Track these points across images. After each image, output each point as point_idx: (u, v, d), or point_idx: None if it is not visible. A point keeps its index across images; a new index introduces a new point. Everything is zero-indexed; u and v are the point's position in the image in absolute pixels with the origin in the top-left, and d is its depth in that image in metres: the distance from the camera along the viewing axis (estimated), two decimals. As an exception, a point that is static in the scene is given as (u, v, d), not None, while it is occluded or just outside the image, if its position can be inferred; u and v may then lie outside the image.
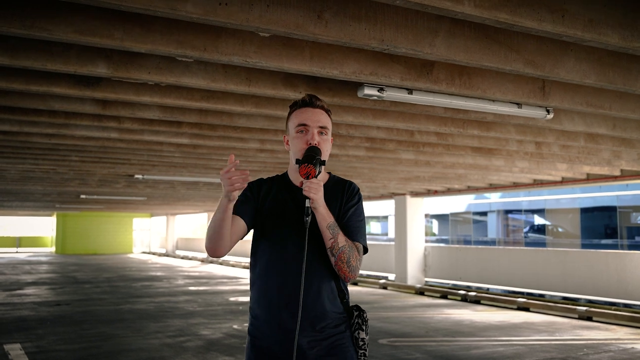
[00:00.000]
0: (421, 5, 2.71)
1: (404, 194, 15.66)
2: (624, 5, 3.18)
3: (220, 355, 7.04)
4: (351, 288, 16.19)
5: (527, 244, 28.69)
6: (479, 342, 8.03)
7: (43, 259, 30.73)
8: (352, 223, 2.16)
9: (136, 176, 11.17)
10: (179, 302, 12.28)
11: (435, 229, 36.97)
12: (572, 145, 7.31)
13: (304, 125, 2.16)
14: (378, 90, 4.41)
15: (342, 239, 2.06)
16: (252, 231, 2.28)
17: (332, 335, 2.11)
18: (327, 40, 3.25)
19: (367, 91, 4.38)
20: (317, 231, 2.06)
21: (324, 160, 2.11)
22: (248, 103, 5.09)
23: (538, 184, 12.27)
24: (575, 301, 12.30)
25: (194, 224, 48.01)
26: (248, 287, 12.68)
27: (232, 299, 13.03)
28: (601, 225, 26.84)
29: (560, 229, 29.28)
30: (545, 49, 3.83)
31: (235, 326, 9.17)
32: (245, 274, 20.51)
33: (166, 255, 35.16)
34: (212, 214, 27.49)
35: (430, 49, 3.46)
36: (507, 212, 31.21)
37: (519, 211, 30.80)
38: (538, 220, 31.06)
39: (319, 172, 2.06)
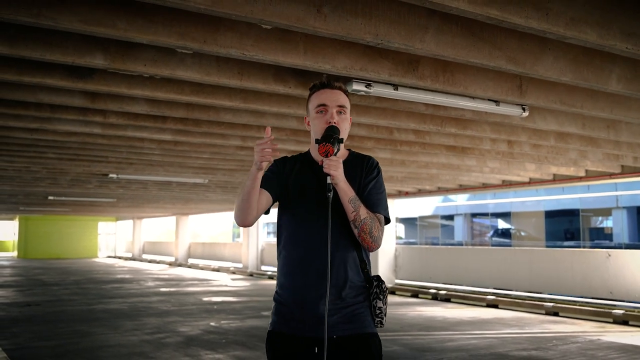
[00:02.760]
0: (420, 0, 2.89)
1: (375, 196, 15.87)
2: (601, 6, 3.42)
3: (201, 349, 7.11)
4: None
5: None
6: (453, 336, 8.27)
7: (5, 263, 30.09)
8: (372, 196, 2.29)
9: (110, 175, 11.12)
10: (153, 302, 12.25)
11: (402, 233, 37.41)
12: (542, 144, 7.61)
13: (324, 105, 2.30)
14: (366, 86, 4.59)
15: (363, 212, 2.20)
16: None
17: (352, 304, 2.24)
18: (326, 34, 3.41)
19: (356, 86, 4.55)
20: (340, 205, 2.20)
21: (342, 139, 2.25)
22: (237, 98, 5.21)
23: (506, 185, 12.64)
24: (541, 298, 12.69)
25: (160, 228, 47.54)
26: (219, 289, 12.79)
27: (205, 299, 13.05)
28: (564, 228, 27.63)
29: (523, 233, 29.99)
30: (526, 46, 4.06)
31: (212, 323, 9.23)
32: (215, 277, 20.49)
33: (132, 259, 34.78)
34: (180, 217, 27.27)
35: (420, 45, 3.65)
36: (474, 215, 31.83)
37: (485, 214, 31.44)
38: (502, 224, 31.75)
39: (338, 150, 2.19)
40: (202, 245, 29.46)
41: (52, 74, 4.46)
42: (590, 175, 10.78)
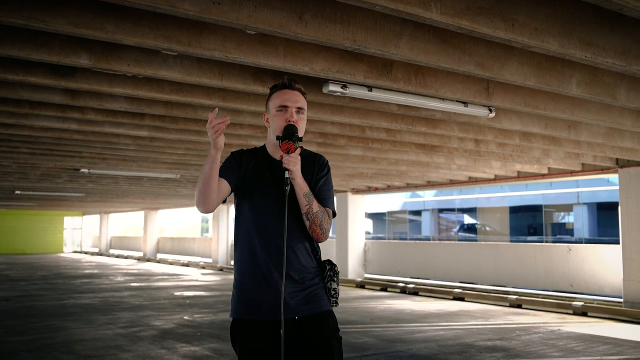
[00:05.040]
0: (396, 11, 3.10)
1: (345, 191, 16.15)
2: (563, 17, 3.68)
3: (177, 342, 7.24)
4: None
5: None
6: (422, 327, 8.55)
7: (-32, 258, 29.52)
8: (323, 191, 2.50)
9: (82, 170, 11.11)
10: (124, 297, 12.28)
11: (370, 228, 37.83)
12: (507, 143, 7.93)
13: (284, 106, 2.47)
14: (342, 87, 4.79)
15: (316, 206, 2.40)
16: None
17: (309, 287, 2.44)
18: (307, 39, 3.60)
19: (332, 87, 4.75)
20: (294, 198, 2.38)
21: (301, 137, 2.44)
22: (216, 97, 5.36)
23: (473, 181, 13.02)
24: (506, 291, 13.11)
25: (127, 223, 47.09)
26: (190, 283, 12.86)
27: (177, 293, 13.12)
28: (532, 223, 28.35)
29: (487, 228, 30.65)
30: (493, 53, 4.31)
31: (186, 317, 9.34)
32: (185, 271, 20.51)
33: (99, 254, 34.42)
34: (149, 212, 27.08)
35: (395, 50, 3.87)
36: (441, 210, 32.40)
37: (452, 210, 32.03)
38: (468, 219, 32.39)
39: (297, 148, 2.39)
40: (171, 240, 29.37)
41: (35, 72, 4.55)
42: (552, 173, 11.20)
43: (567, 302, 10.52)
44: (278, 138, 2.38)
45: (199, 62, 4.56)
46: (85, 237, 41.89)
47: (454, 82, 5.00)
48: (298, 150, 2.46)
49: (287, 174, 2.33)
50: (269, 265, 2.38)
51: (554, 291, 12.27)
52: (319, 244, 2.55)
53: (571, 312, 10.14)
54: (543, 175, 11.42)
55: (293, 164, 2.32)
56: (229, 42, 3.92)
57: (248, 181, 2.47)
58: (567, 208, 26.83)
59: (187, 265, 23.64)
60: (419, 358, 6.43)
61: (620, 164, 9.94)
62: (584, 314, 9.97)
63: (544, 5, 3.59)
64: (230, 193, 2.49)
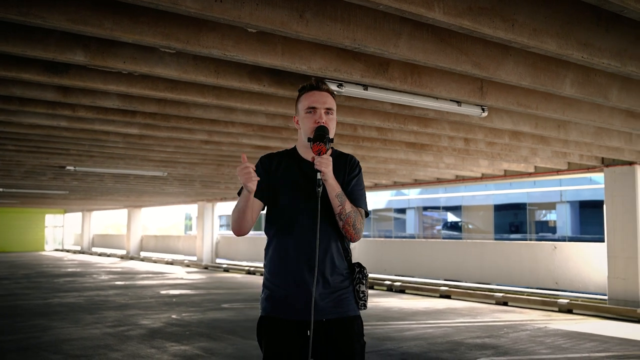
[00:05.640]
0: (400, 10, 3.11)
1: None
2: (561, 18, 3.72)
3: (166, 341, 7.19)
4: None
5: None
6: (410, 325, 8.60)
7: (-53, 256, 29.07)
8: (355, 192, 2.50)
9: (67, 168, 10.99)
10: (110, 296, 12.17)
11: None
12: (497, 142, 7.99)
13: (313, 107, 2.48)
14: (338, 86, 4.78)
15: (348, 206, 2.40)
16: None
17: (339, 289, 2.45)
18: (308, 38, 3.59)
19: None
20: (327, 199, 2.39)
21: (332, 138, 2.45)
22: (210, 94, 5.33)
23: (460, 179, 13.10)
24: (492, 289, 13.22)
25: (109, 221, 46.69)
26: (176, 282, 12.80)
27: (163, 292, 13.04)
28: (513, 221, 28.63)
29: (470, 226, 30.89)
30: (490, 52, 4.33)
31: (174, 316, 9.29)
32: (170, 270, 20.39)
33: (82, 252, 34.10)
34: (133, 209, 26.89)
35: (394, 49, 3.87)
36: (425, 208, 32.57)
37: (437, 208, 32.21)
38: (451, 217, 32.61)
39: (329, 149, 2.40)
40: (154, 238, 29.16)
41: (28, 69, 4.49)
42: (538, 172, 11.31)
43: (552, 300, 10.64)
44: (309, 140, 2.39)
45: (195, 60, 4.53)
46: (67, 235, 41.44)
47: (449, 81, 5.02)
48: (329, 152, 2.47)
49: (319, 175, 2.34)
50: (301, 265, 2.40)
51: (539, 289, 12.40)
52: (350, 247, 2.57)
53: (557, 309, 10.26)
54: (529, 174, 11.53)
55: (325, 165, 2.33)
56: (228, 40, 3.90)
57: (279, 183, 2.49)
58: (551, 206, 27.13)
59: (171, 263, 23.51)
60: (410, 356, 6.46)
61: (606, 163, 10.06)
62: (570, 312, 10.09)
63: (544, 6, 3.61)
64: (264, 207, 2.54)
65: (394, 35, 3.85)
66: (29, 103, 5.75)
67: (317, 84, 2.53)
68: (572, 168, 10.68)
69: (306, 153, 2.52)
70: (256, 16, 3.33)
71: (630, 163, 9.67)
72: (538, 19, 3.60)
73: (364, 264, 2.58)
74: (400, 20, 3.85)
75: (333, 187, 2.37)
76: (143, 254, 28.59)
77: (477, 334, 7.88)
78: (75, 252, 35.00)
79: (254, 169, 2.31)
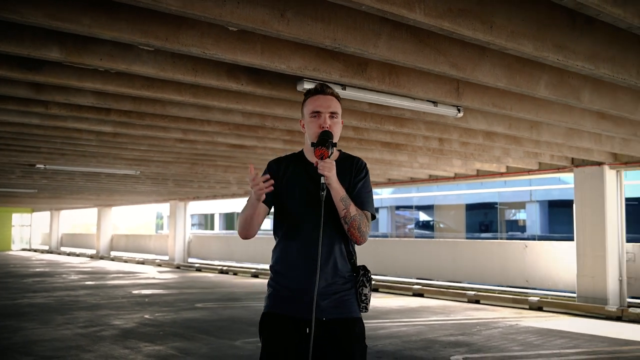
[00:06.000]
0: (382, 11, 3.13)
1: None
2: (537, 20, 3.78)
3: (139, 342, 7.12)
4: (253, 281, 16.49)
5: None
6: (384, 324, 8.65)
7: None
8: (361, 195, 2.52)
9: (37, 166, 10.79)
10: (80, 296, 11.99)
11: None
12: (471, 142, 8.08)
13: (317, 112, 2.49)
14: (316, 85, 4.78)
15: (353, 209, 2.43)
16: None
17: (341, 291, 2.48)
18: (288, 37, 3.59)
19: (307, 85, 4.74)
20: (332, 203, 2.42)
21: (335, 143, 2.47)
22: (187, 93, 5.29)
23: (433, 179, 13.22)
24: (464, 287, 13.38)
25: (77, 220, 45.91)
26: (148, 281, 12.71)
27: (135, 291, 12.89)
28: (483, 220, 28.99)
29: (442, 225, 31.20)
30: (467, 54, 4.38)
31: (146, 316, 9.20)
32: (141, 269, 20.19)
33: (50, 252, 33.49)
34: (103, 208, 26.47)
35: (374, 50, 3.89)
36: (398, 208, 32.78)
37: (409, 207, 32.45)
38: (423, 217, 32.89)
39: (332, 153, 2.42)
40: (125, 238, 28.80)
41: (0, 65, 4.39)
42: (510, 171, 11.48)
43: (523, 298, 10.82)
44: (312, 145, 2.42)
45: (173, 58, 4.49)
46: (35, 234, 40.65)
47: (426, 81, 5.07)
48: (335, 155, 2.52)
49: (322, 180, 2.37)
50: (304, 267, 2.42)
51: (510, 287, 12.59)
52: (355, 249, 2.59)
53: (527, 307, 10.44)
54: (501, 174, 11.69)
55: (328, 169, 2.35)
56: (207, 38, 3.88)
57: (286, 187, 2.52)
58: (520, 206, 27.55)
59: (142, 263, 23.25)
60: (385, 354, 6.50)
61: (575, 164, 10.26)
62: (540, 309, 10.28)
63: (521, 8, 3.67)
64: (270, 211, 2.57)
65: (373, 35, 3.87)
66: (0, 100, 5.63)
67: (321, 88, 2.55)
68: (543, 168, 10.86)
69: (312, 157, 2.52)
70: (237, 14, 3.31)
71: (599, 163, 9.87)
72: (515, 21, 3.66)
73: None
74: (380, 21, 3.87)
75: (337, 190, 2.40)
76: (113, 253, 28.21)
77: (450, 332, 7.97)
78: (43, 251, 34.35)
79: (265, 179, 2.34)
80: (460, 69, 4.38)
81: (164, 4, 3.08)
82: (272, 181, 2.35)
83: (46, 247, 36.41)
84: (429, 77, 5.06)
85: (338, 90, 4.81)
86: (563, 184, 22.76)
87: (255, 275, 17.40)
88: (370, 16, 3.80)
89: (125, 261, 24.32)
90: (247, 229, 2.49)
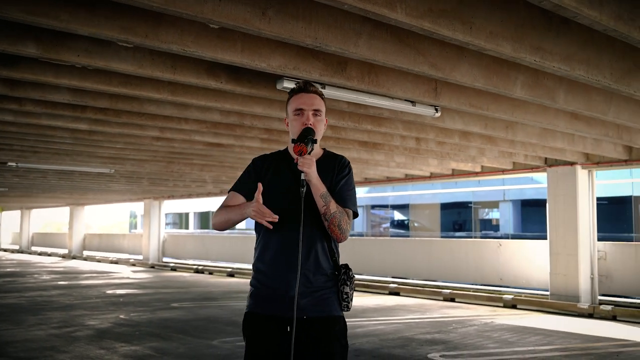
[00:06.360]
0: (364, 10, 3.14)
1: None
2: (515, 22, 3.84)
3: (115, 342, 7.04)
4: (229, 280, 16.40)
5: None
6: (361, 322, 8.69)
7: None
8: (343, 192, 2.52)
9: (9, 164, 10.59)
10: (53, 296, 11.80)
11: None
12: (447, 141, 8.16)
13: (300, 109, 2.49)
14: (296, 84, 4.78)
15: (333, 206, 2.42)
16: None
17: (322, 289, 2.47)
18: (270, 36, 3.59)
19: (286, 84, 4.75)
20: (313, 199, 2.42)
21: (316, 139, 2.46)
22: (165, 90, 5.25)
23: (409, 178, 13.31)
24: (439, 286, 13.50)
25: (48, 219, 45.20)
26: (122, 281, 12.53)
27: (109, 291, 12.74)
28: (458, 219, 29.26)
29: (416, 224, 31.42)
30: (446, 54, 4.43)
31: (122, 316, 9.10)
32: (115, 269, 19.95)
33: (20, 251, 32.89)
34: (75, 207, 26.05)
35: (355, 49, 3.91)
36: (374, 207, 32.91)
37: (385, 206, 32.59)
38: (398, 216, 33.07)
39: (312, 150, 2.41)
40: (98, 237, 28.43)
41: (-26, 61, 4.31)
42: (485, 171, 11.62)
43: (497, 296, 10.97)
44: (293, 141, 2.43)
45: (152, 55, 4.45)
46: (5, 233, 39.89)
47: (404, 81, 5.10)
48: (315, 152, 2.50)
49: (302, 176, 2.36)
50: (284, 264, 2.42)
51: (484, 285, 12.74)
52: (338, 247, 2.58)
53: (502, 304, 10.58)
54: (476, 174, 11.82)
55: (307, 165, 2.35)
56: (188, 35, 3.86)
57: (269, 184, 2.50)
58: (494, 205, 27.87)
59: (116, 262, 22.98)
60: (363, 352, 6.53)
61: (549, 163, 10.42)
62: (514, 307, 10.42)
63: (499, 10, 3.72)
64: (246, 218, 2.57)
65: (354, 34, 3.89)
66: (-28, 96, 5.53)
67: (305, 86, 2.56)
68: (517, 168, 11.02)
69: (295, 154, 2.52)
70: (219, 12, 3.30)
71: (572, 163, 10.05)
72: (494, 22, 3.70)
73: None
74: (361, 20, 3.89)
75: (317, 187, 2.39)
76: (86, 252, 27.84)
77: (427, 330, 8.04)
78: (13, 251, 33.73)
79: (269, 216, 2.33)
80: (439, 69, 4.42)
81: (145, 0, 3.05)
82: (276, 217, 2.34)
83: (16, 247, 35.77)
84: (407, 76, 5.10)
85: (317, 89, 4.83)
86: (535, 184, 23.09)
87: (231, 275, 17.32)
88: (352, 15, 3.82)
89: (99, 261, 24.01)
90: (225, 227, 2.55)
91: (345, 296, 2.50)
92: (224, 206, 2.55)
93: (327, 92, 4.94)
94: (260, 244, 2.55)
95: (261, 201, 2.34)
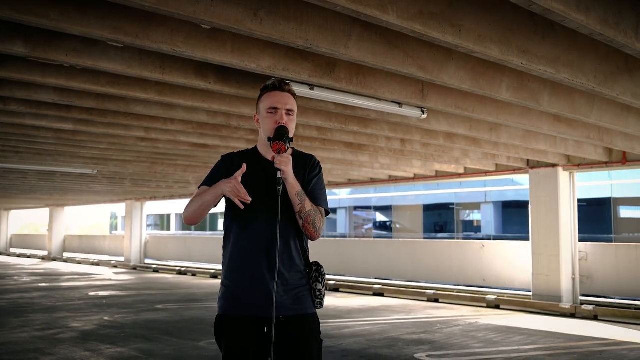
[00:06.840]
0: (356, 12, 3.17)
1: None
2: (503, 25, 3.89)
3: (100, 344, 6.99)
4: (213, 282, 16.34)
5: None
6: (347, 323, 8.72)
7: None
8: (315, 191, 2.54)
9: (-10, 164, 10.47)
10: (35, 298, 11.67)
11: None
12: (431, 143, 8.22)
13: (275, 108, 2.50)
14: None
15: (308, 205, 2.44)
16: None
17: (296, 287, 2.48)
18: (261, 37, 3.60)
19: (275, 85, 4.75)
20: (287, 198, 2.42)
21: (292, 138, 2.47)
22: (152, 90, 5.23)
23: (393, 180, 13.37)
24: (423, 287, 13.58)
25: (26, 220, 44.61)
26: (104, 283, 12.41)
27: (92, 293, 12.62)
28: (440, 221, 29.44)
29: (398, 225, 31.57)
30: (434, 56, 4.47)
31: (106, 318, 9.02)
32: (96, 271, 19.77)
33: (-2, 253, 32.46)
34: (55, 208, 25.74)
35: (344, 50, 3.94)
36: (356, 208, 32.98)
37: (368, 208, 32.68)
38: (381, 217, 33.19)
39: (288, 148, 2.43)
40: (79, 238, 28.13)
41: (-41, 59, 4.27)
42: (468, 173, 11.72)
43: (481, 296, 11.06)
44: (270, 139, 2.41)
45: (141, 55, 4.43)
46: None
47: (392, 83, 5.14)
48: (290, 151, 2.50)
49: (279, 174, 2.36)
50: (259, 262, 2.41)
51: (467, 286, 12.84)
52: (309, 245, 2.59)
53: (485, 305, 10.68)
54: (459, 175, 11.91)
55: (285, 164, 2.36)
56: (178, 35, 3.85)
57: (241, 181, 2.47)
58: (475, 206, 28.10)
59: (97, 264, 22.77)
60: (351, 353, 6.56)
61: (531, 165, 10.54)
62: (497, 307, 10.52)
63: (488, 13, 3.77)
64: (220, 199, 2.51)
65: (344, 36, 3.92)
66: (-45, 96, 5.46)
67: (279, 84, 2.56)
68: (500, 169, 11.13)
69: (267, 152, 2.54)
70: (211, 12, 3.31)
71: (554, 165, 10.18)
72: (483, 25, 3.75)
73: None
74: (351, 22, 3.92)
75: (293, 185, 2.40)
76: (66, 254, 27.53)
77: (412, 330, 8.09)
78: (-9, 253, 33.27)
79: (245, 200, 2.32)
80: (427, 71, 4.46)
81: (137, 0, 3.04)
82: (249, 199, 2.33)
83: (-5, 249, 35.26)
84: (395, 78, 5.14)
85: (306, 90, 4.86)
86: (516, 185, 23.33)
87: (214, 276, 17.26)
88: (342, 17, 3.84)
89: (79, 262, 23.77)
90: (200, 215, 2.47)
91: (318, 293, 2.51)
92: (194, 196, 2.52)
93: (315, 93, 4.97)
94: (231, 242, 2.51)
95: (240, 180, 2.32)
